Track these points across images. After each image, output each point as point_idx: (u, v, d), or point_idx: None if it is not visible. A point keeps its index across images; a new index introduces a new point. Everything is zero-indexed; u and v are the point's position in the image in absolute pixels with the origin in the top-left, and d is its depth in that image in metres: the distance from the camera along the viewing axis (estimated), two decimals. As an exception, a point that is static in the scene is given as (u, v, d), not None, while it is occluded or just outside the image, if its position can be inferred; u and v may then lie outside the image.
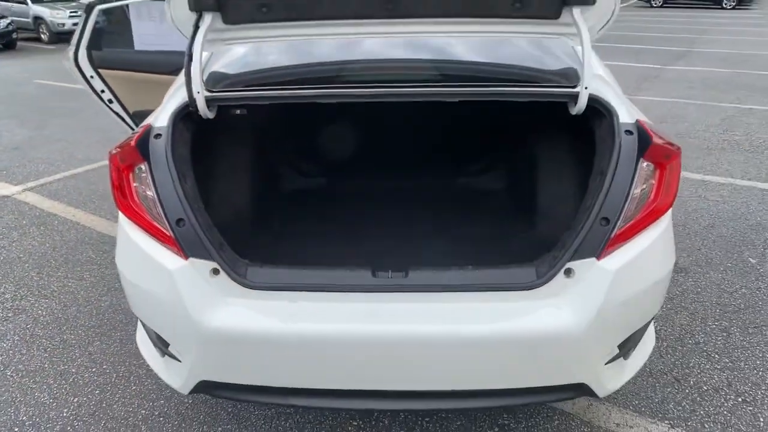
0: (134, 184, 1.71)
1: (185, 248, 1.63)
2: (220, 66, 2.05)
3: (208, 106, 1.85)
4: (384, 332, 1.56)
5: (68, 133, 6.57)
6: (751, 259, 3.36)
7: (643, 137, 1.68)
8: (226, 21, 1.88)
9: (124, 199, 1.71)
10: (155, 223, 1.65)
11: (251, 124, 2.57)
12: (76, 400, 2.33)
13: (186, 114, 1.84)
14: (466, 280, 1.64)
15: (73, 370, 2.50)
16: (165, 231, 1.63)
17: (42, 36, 16.42)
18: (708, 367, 2.45)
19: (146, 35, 3.36)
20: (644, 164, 1.65)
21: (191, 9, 1.82)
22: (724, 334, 2.68)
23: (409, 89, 1.85)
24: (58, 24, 16.29)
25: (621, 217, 1.60)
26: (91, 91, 3.46)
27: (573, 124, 2.03)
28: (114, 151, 1.74)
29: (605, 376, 1.67)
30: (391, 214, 2.67)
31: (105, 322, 2.86)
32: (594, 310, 1.57)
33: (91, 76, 3.35)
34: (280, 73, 2.04)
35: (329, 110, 2.42)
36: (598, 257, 1.60)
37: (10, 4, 17.02)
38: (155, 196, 1.64)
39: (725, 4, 23.08)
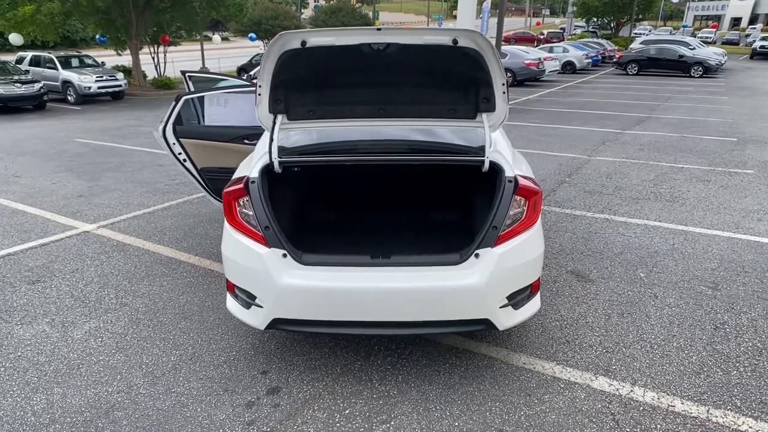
0: (238, 209, 3.09)
1: (269, 242, 2.98)
2: (285, 143, 3.48)
3: (279, 166, 3.26)
4: (377, 287, 2.88)
5: (119, 184, 7.95)
6: (641, 274, 4.70)
7: (516, 184, 3.08)
8: (289, 118, 3.33)
9: (232, 217, 3.08)
10: (253, 229, 3.02)
11: (301, 174, 3.99)
12: (177, 352, 3.60)
13: (267, 169, 3.25)
14: (423, 260, 2.99)
15: (171, 338, 3.78)
16: (258, 233, 3.00)
17: (69, 98, 18.02)
18: (589, 334, 3.76)
19: (214, 115, 4.84)
20: (517, 198, 3.04)
21: (270, 112, 3.27)
22: (606, 317, 3.99)
23: (392, 157, 3.28)
24: (84, 87, 18.05)
25: (503, 226, 2.97)
26: (171, 153, 4.90)
27: (485, 177, 3.44)
28: (227, 190, 3.13)
29: (501, 316, 2.98)
30: (382, 226, 4.06)
31: (186, 311, 4.15)
32: (489, 273, 2.91)
33: (173, 143, 4.79)
34: (319, 147, 3.46)
35: (343, 169, 3.84)
36: (492, 247, 2.96)
37: (41, 69, 18.89)
38: (254, 214, 3.02)
39: (693, 72, 25.28)
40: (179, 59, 27.82)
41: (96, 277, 4.77)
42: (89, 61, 19.45)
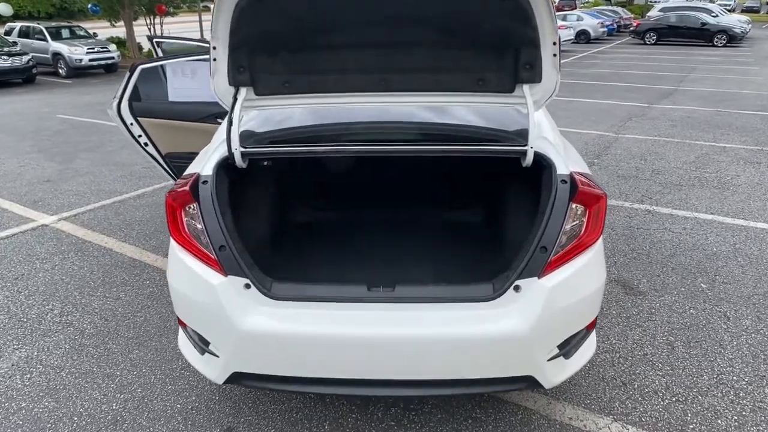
0: (185, 219, 2.24)
1: (225, 268, 2.14)
2: (251, 127, 2.60)
3: (242, 159, 2.39)
4: (376, 334, 2.05)
5: (93, 167, 7.13)
6: (702, 285, 3.84)
7: (573, 185, 2.20)
8: (257, 93, 2.44)
9: (177, 230, 2.23)
10: (203, 249, 2.17)
11: (274, 169, 3.12)
12: (122, 396, 2.80)
13: (226, 164, 2.38)
14: (440, 293, 2.15)
15: (118, 373, 2.98)
16: (210, 254, 2.15)
17: (60, 71, 17.26)
18: (651, 374, 2.92)
19: (179, 89, 3.94)
20: (574, 206, 2.16)
21: (230, 84, 2.37)
22: (669, 346, 3.15)
23: (399, 147, 2.39)
24: (75, 60, 17.22)
25: (555, 247, 2.11)
26: (129, 136, 4.03)
27: (527, 173, 2.56)
28: (170, 193, 2.27)
29: (549, 370, 2.15)
30: (385, 240, 3.19)
31: (142, 334, 3.35)
32: (535, 316, 2.06)
33: (131, 123, 3.92)
34: (298, 133, 2.58)
35: (332, 163, 2.97)
36: (539, 277, 2.10)
37: (31, 41, 17.98)
38: (204, 228, 2.16)
39: (716, 41, 23.95)
40: (177, 30, 26.69)
41: (43, 285, 3.97)
42: (80, 33, 18.58)
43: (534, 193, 2.85)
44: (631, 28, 28.27)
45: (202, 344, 2.25)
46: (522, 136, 2.42)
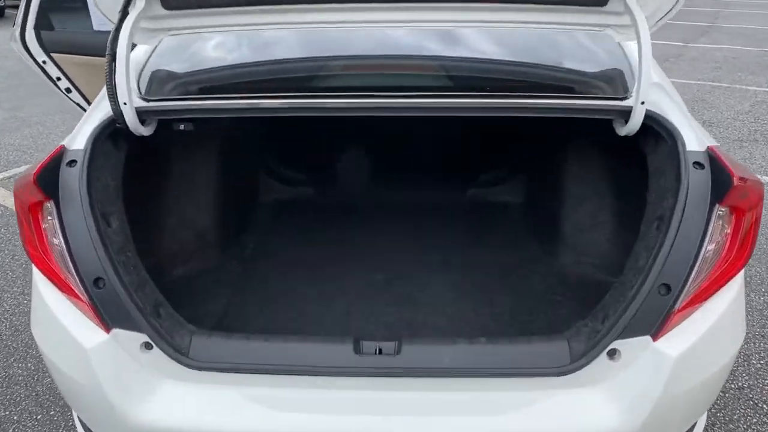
0: (44, 227, 1.31)
1: (106, 317, 1.23)
2: (160, 65, 1.61)
3: (143, 121, 1.43)
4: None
5: (45, 116, 6.12)
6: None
7: (718, 172, 1.25)
8: (165, 5, 1.44)
9: (33, 246, 1.31)
10: (69, 283, 1.25)
11: (215, 128, 2.15)
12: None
13: (114, 132, 1.43)
14: (477, 361, 1.25)
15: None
16: (77, 292, 1.23)
17: (33, 4, 15.82)
18: None
19: (107, 10, 2.89)
20: (721, 210, 1.22)
21: None
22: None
23: (409, 101, 1.42)
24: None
25: (688, 285, 1.19)
26: (45, 78, 3.02)
27: (611, 135, 1.61)
28: (17, 186, 1.33)
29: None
30: (386, 240, 2.27)
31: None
32: (648, 407, 1.17)
33: (44, 61, 2.90)
34: (235, 75, 1.61)
35: (300, 126, 2.02)
36: (655, 337, 1.19)
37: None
38: (63, 246, 1.24)
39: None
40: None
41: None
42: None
43: (616, 170, 1.92)
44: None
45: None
46: (619, 82, 1.45)
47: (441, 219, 2.44)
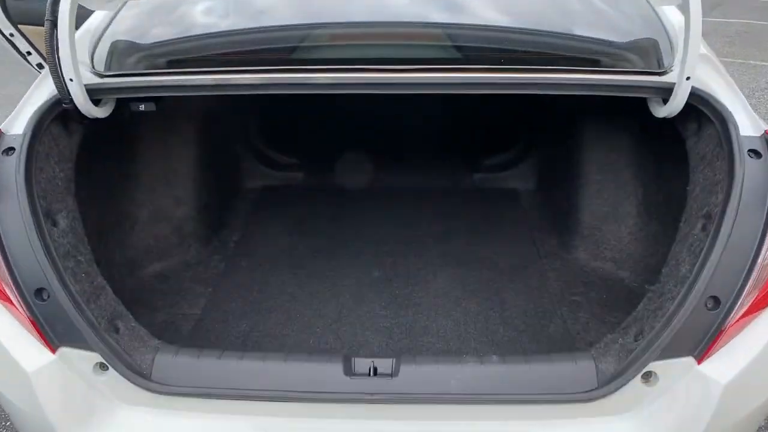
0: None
1: (51, 334, 1.05)
2: (120, 34, 1.39)
3: (96, 101, 1.22)
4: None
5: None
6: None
7: None
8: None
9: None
10: (8, 294, 1.06)
11: (193, 106, 1.93)
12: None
13: (63, 113, 1.22)
14: (489, 385, 1.07)
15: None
16: (17, 306, 1.04)
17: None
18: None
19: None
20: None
21: None
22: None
23: (409, 76, 1.22)
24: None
25: (741, 298, 0.99)
26: (15, 51, 2.78)
27: (639, 114, 1.41)
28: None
29: None
30: (384, 231, 2.07)
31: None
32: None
33: (11, 34, 2.65)
34: (205, 46, 1.39)
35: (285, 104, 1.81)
36: (699, 358, 1.01)
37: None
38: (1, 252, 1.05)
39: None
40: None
41: None
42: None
43: (645, 152, 1.71)
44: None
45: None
46: (653, 53, 1.24)
47: (444, 207, 2.24)
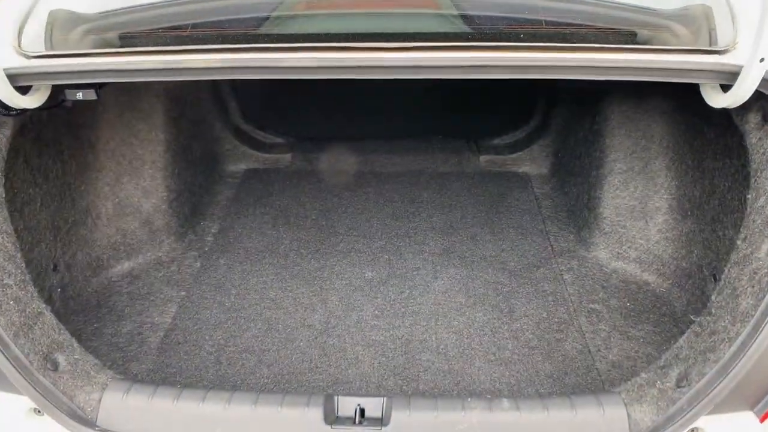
0: None
1: None
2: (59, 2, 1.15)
3: (22, 89, 1.00)
4: None
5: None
6: None
7: None
8: None
9: None
10: None
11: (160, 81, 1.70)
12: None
13: None
14: None
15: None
16: None
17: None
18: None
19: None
20: None
21: None
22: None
23: (406, 56, 0.99)
24: None
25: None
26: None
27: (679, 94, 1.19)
28: None
29: None
30: (379, 222, 1.86)
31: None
32: None
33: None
34: (150, 19, 1.15)
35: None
36: (762, 415, 0.81)
37: None
38: None
39: None
40: None
41: None
42: None
43: (686, 139, 1.48)
44: None
45: None
46: (706, 26, 1.01)
47: (446, 195, 2.01)
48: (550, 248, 1.74)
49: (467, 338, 1.42)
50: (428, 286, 1.61)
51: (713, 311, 0.93)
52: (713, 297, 0.96)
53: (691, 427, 0.85)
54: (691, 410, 0.85)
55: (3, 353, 0.89)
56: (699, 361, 0.89)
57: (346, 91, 2.17)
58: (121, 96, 1.60)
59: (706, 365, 0.87)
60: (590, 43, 1.06)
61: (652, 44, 1.10)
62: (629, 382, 0.98)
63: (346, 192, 2.04)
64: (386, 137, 2.27)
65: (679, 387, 0.89)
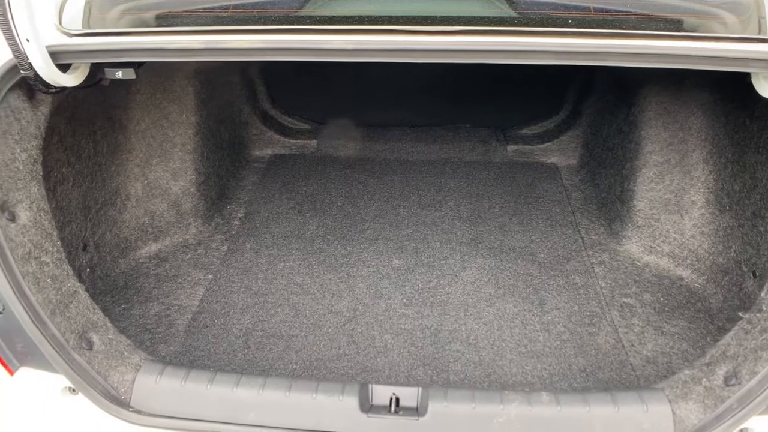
0: None
1: (9, 353, 0.87)
2: None
3: (63, 67, 0.99)
4: None
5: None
6: None
7: None
8: None
9: None
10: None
11: (192, 64, 1.69)
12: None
13: (21, 81, 1.00)
14: None
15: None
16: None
17: None
18: None
19: None
20: None
21: None
22: None
23: (447, 39, 0.97)
24: None
25: None
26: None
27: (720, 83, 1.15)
28: None
29: None
30: (406, 210, 1.85)
31: None
32: None
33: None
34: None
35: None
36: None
37: None
38: None
39: None
40: None
41: None
42: None
43: (724, 131, 1.44)
44: None
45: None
46: (754, 12, 0.98)
47: (474, 184, 1.99)
48: (580, 240, 1.71)
49: (497, 329, 1.40)
50: (456, 275, 1.59)
51: (763, 308, 0.90)
52: (763, 294, 0.93)
53: (740, 427, 0.83)
54: (741, 410, 0.82)
55: (40, 331, 0.89)
56: (750, 359, 0.86)
57: (373, 78, 2.14)
58: (153, 77, 1.60)
59: (758, 363, 0.84)
60: (638, 29, 1.03)
61: (699, 32, 1.06)
62: (671, 379, 0.96)
63: (372, 179, 2.03)
64: (413, 125, 2.25)
65: (728, 385, 0.87)
